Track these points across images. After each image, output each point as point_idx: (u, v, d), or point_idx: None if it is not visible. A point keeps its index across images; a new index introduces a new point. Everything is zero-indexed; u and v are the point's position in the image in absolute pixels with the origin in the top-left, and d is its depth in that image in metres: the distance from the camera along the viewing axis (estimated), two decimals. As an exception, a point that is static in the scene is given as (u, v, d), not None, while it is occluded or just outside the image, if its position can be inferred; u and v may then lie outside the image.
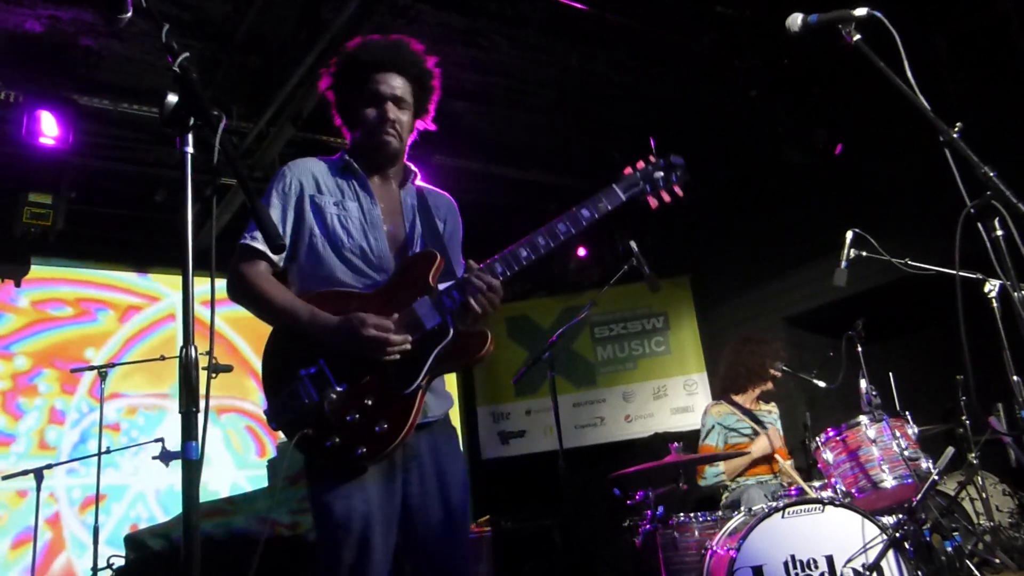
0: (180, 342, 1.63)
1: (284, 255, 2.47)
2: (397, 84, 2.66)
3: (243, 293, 2.42)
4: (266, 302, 2.38)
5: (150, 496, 6.89)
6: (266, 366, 2.41)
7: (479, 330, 2.39)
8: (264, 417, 2.39)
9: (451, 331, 2.35)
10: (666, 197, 2.73)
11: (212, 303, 1.73)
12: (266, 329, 2.46)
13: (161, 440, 5.42)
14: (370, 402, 2.27)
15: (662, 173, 2.82)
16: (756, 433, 5.11)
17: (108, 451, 5.72)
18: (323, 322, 2.31)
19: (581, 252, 8.50)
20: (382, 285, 2.44)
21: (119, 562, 5.08)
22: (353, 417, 2.26)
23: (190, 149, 1.71)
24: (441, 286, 2.40)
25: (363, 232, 2.48)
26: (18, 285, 6.68)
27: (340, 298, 2.39)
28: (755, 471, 5.02)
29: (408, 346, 2.29)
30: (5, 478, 5.43)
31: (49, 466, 5.44)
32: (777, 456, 4.94)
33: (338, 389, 2.26)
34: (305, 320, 2.32)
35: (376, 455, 2.26)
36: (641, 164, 2.80)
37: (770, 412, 5.34)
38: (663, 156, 2.72)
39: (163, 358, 5.97)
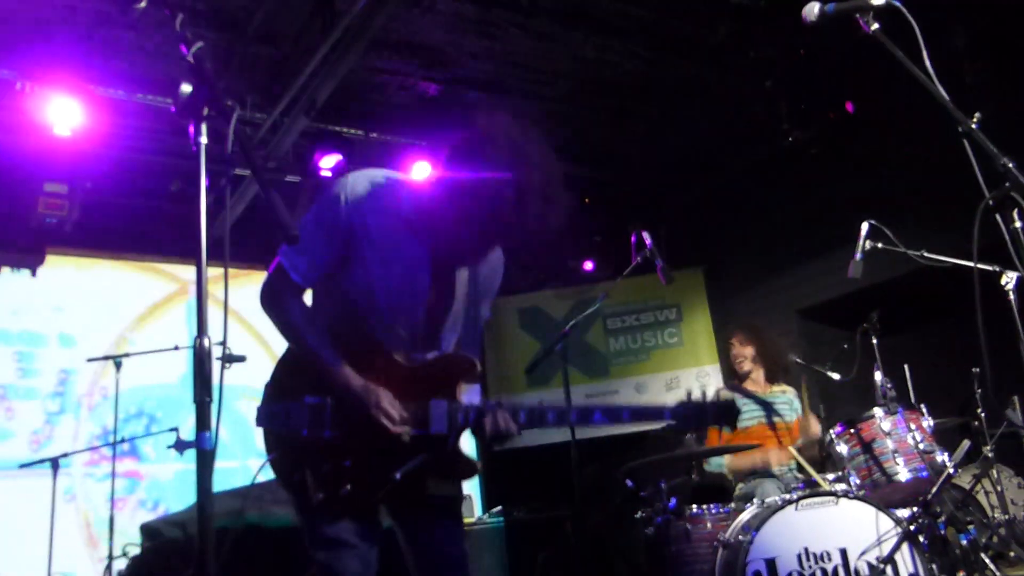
0: (194, 332, 1.64)
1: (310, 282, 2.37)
2: None
3: (275, 317, 2.36)
4: (296, 336, 2.32)
5: (165, 484, 6.94)
6: (278, 372, 2.40)
7: (468, 459, 2.35)
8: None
9: (448, 446, 2.30)
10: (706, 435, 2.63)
11: (226, 294, 1.73)
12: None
13: (176, 430, 5.44)
14: (348, 464, 2.24)
15: (713, 415, 2.55)
16: (764, 418, 5.09)
17: (123, 440, 5.76)
18: (346, 378, 2.25)
19: (589, 266, 8.51)
20: (415, 367, 2.35)
21: (134, 551, 5.11)
22: (326, 467, 2.24)
23: (204, 139, 1.71)
24: (465, 397, 2.34)
25: (402, 299, 2.34)
26: (34, 275, 6.73)
27: (371, 356, 2.32)
28: (772, 458, 4.99)
29: (406, 439, 2.25)
30: (21, 466, 5.49)
31: (65, 455, 5.49)
32: (791, 449, 4.92)
33: (326, 435, 2.24)
34: (328, 366, 2.26)
35: (329, 510, 2.26)
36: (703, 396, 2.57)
37: (783, 392, 5.28)
38: (723, 400, 2.56)
39: (177, 348, 6.00)
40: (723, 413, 2.48)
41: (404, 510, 2.41)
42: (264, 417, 2.32)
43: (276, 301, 2.35)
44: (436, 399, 2.29)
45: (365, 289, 2.31)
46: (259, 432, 2.35)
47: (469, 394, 2.37)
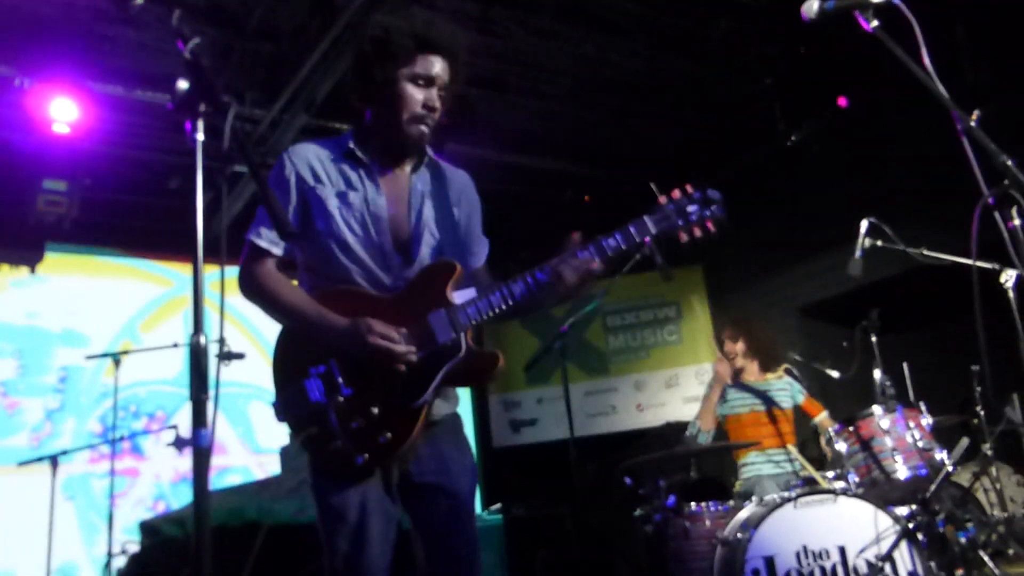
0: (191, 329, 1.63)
1: (286, 246, 2.43)
2: (443, 71, 2.51)
3: (253, 291, 2.40)
4: (276, 302, 2.36)
5: (164, 482, 6.94)
6: (277, 359, 2.41)
7: (490, 351, 2.36)
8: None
9: (463, 349, 2.31)
10: (697, 232, 2.55)
11: (222, 290, 1.73)
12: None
13: (175, 427, 5.45)
14: (376, 410, 2.25)
15: (696, 207, 2.62)
16: (757, 405, 5.09)
17: (123, 438, 5.76)
18: (331, 323, 2.28)
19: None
20: (399, 292, 2.39)
21: (134, 548, 5.11)
22: (359, 424, 2.25)
23: (200, 135, 1.70)
24: (459, 298, 2.35)
25: (365, 227, 2.40)
26: (33, 272, 6.72)
27: (351, 298, 2.36)
28: (766, 444, 5.00)
29: (413, 358, 2.26)
30: (20, 464, 5.48)
31: (65, 452, 5.49)
32: (791, 447, 4.92)
33: (345, 392, 2.25)
34: (314, 320, 2.30)
35: (377, 463, 2.27)
36: (677, 194, 2.62)
37: (780, 378, 5.27)
38: (700, 188, 2.56)
39: (176, 345, 6.00)
40: (705, 203, 2.59)
41: (411, 492, 2.40)
42: (281, 408, 2.33)
43: (252, 279, 2.40)
44: (433, 312, 2.31)
45: (328, 230, 2.38)
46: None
47: (462, 293, 2.38)
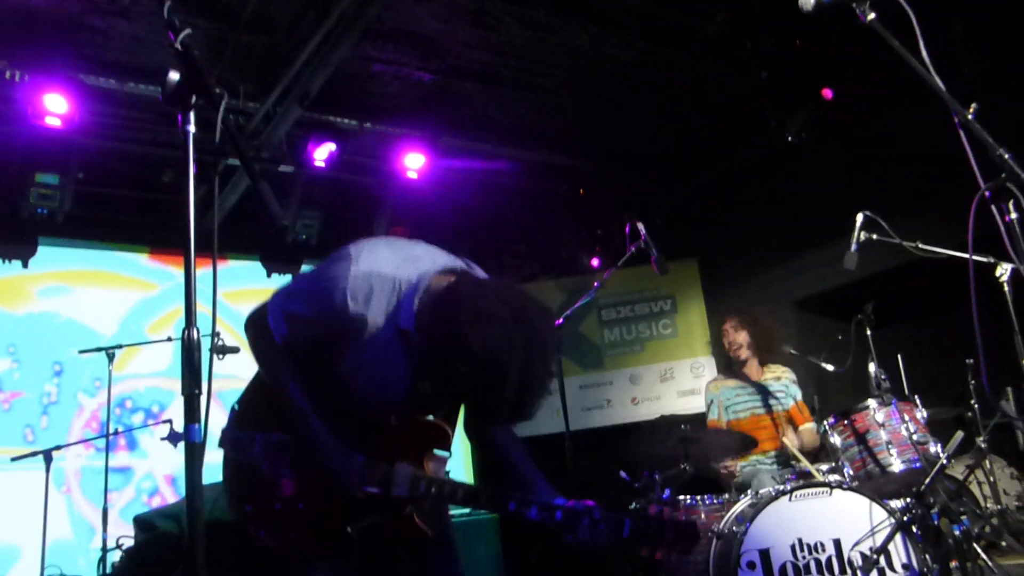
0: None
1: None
2: None
3: (255, 352, 2.33)
4: (280, 387, 2.26)
5: (159, 477, 6.93)
6: (247, 398, 2.38)
7: (424, 529, 2.28)
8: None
9: (406, 511, 2.25)
10: (657, 556, 2.24)
11: (214, 284, 1.71)
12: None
13: (169, 421, 5.43)
14: (301, 507, 2.22)
15: (672, 539, 2.25)
16: (757, 408, 5.08)
17: (116, 432, 5.73)
18: (328, 459, 2.18)
19: (595, 262, 8.48)
20: (386, 421, 2.29)
21: (128, 543, 5.10)
22: (279, 507, 2.22)
23: (192, 127, 1.69)
24: (433, 464, 2.28)
25: (371, 402, 2.28)
26: (25, 266, 6.69)
27: (339, 412, 2.27)
28: (766, 447, 4.99)
29: (367, 519, 2.23)
30: (14, 459, 5.46)
31: (58, 447, 5.47)
32: (784, 440, 4.92)
33: (286, 472, 2.22)
34: (319, 443, 2.19)
35: (274, 548, 2.25)
36: (667, 514, 2.39)
37: (778, 379, 5.25)
38: (686, 524, 2.27)
39: (170, 339, 5.97)
40: (681, 538, 2.22)
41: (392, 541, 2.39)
42: (228, 441, 2.30)
43: (261, 344, 2.31)
44: (401, 464, 2.23)
45: (339, 379, 2.27)
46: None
47: (436, 463, 2.30)
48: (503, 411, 2.03)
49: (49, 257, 6.87)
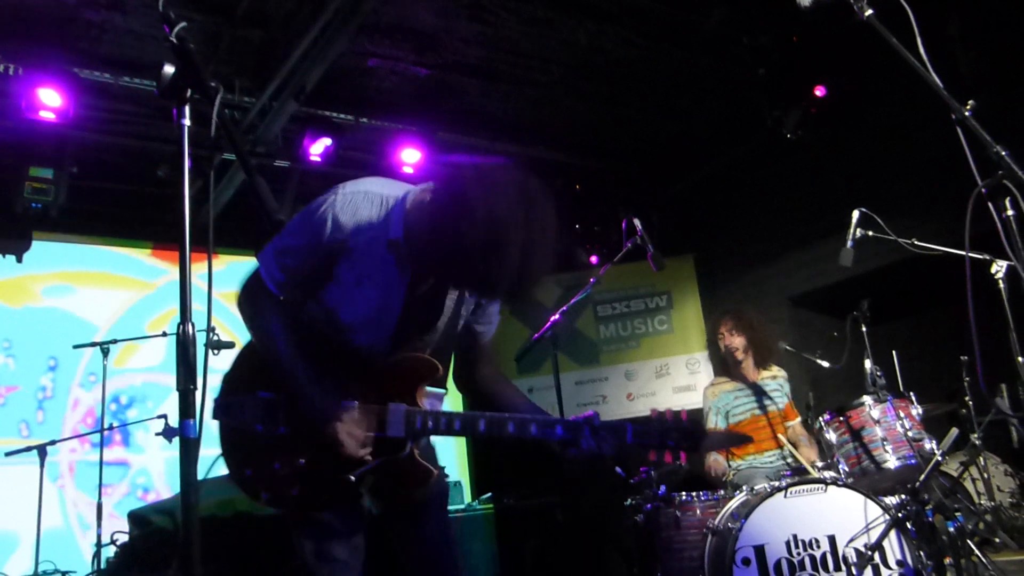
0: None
1: (286, 289, 2.30)
2: None
3: (250, 321, 2.34)
4: (270, 344, 2.28)
5: (154, 472, 6.92)
6: (236, 365, 2.38)
7: (424, 466, 2.28)
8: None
9: (405, 451, 2.24)
10: (667, 458, 2.33)
11: (209, 279, 1.71)
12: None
13: (164, 417, 5.42)
14: (302, 461, 2.21)
15: (676, 437, 2.32)
16: (756, 409, 5.08)
17: (111, 427, 5.72)
18: (305, 390, 2.19)
19: (593, 259, 8.48)
20: (376, 359, 2.29)
21: (123, 538, 5.09)
22: (278, 466, 2.21)
23: (187, 122, 1.68)
24: (428, 400, 2.29)
25: (368, 323, 2.28)
26: (20, 260, 6.67)
27: (330, 355, 2.28)
28: (762, 447, 5.00)
29: (364, 459, 2.20)
30: (8, 454, 5.44)
31: (53, 442, 5.46)
32: (780, 436, 4.92)
33: (280, 430, 2.21)
34: (297, 381, 2.21)
35: (276, 507, 2.25)
36: (670, 415, 2.35)
37: (774, 378, 5.24)
38: (689, 422, 2.33)
39: (165, 334, 5.96)
40: (685, 436, 2.28)
41: (388, 502, 2.39)
42: (220, 410, 2.29)
43: (253, 306, 2.32)
44: (395, 403, 2.23)
45: (333, 305, 2.28)
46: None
47: (431, 399, 2.31)
48: (505, 282, 2.03)
49: (44, 251, 6.85)
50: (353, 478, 2.20)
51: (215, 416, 2.29)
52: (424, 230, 2.13)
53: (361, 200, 2.21)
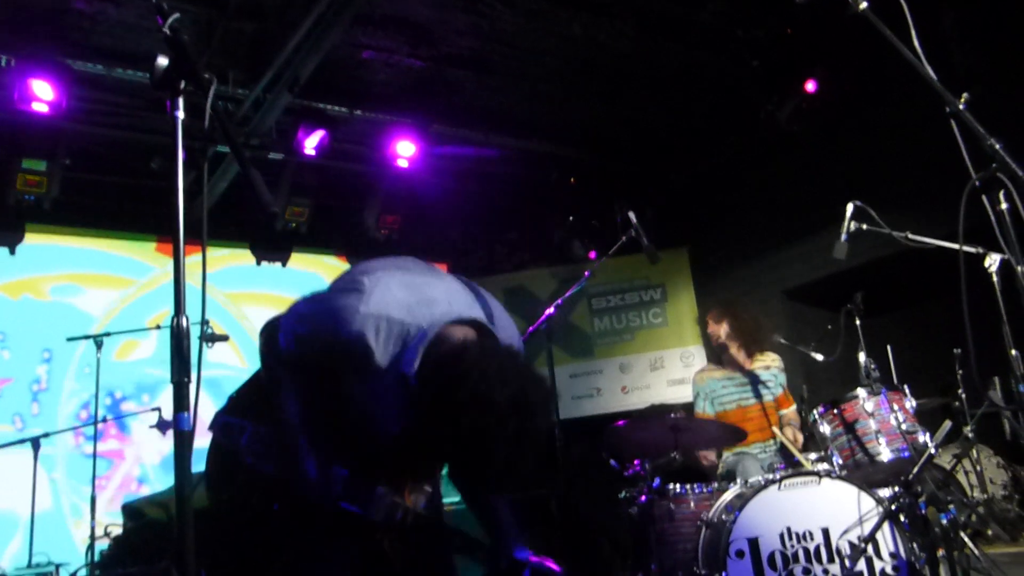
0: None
1: None
2: None
3: (265, 368, 2.35)
4: (277, 395, 2.27)
5: (148, 465, 6.91)
6: (246, 385, 2.39)
7: (392, 555, 2.30)
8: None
9: (376, 536, 2.26)
10: None
11: (203, 272, 1.70)
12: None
13: (158, 410, 5.42)
14: (276, 506, 2.24)
15: None
16: (743, 400, 5.08)
17: (105, 420, 5.71)
18: (306, 460, 2.19)
19: (592, 255, 8.46)
20: (374, 450, 2.27)
21: (117, 530, 5.09)
22: (254, 499, 2.25)
23: (181, 113, 1.67)
24: (414, 495, 2.27)
25: (367, 431, 2.27)
26: (12, 252, 6.65)
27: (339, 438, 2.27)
28: (753, 438, 5.01)
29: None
30: (2, 446, 5.44)
31: (46, 435, 5.45)
32: (774, 428, 4.94)
33: (267, 468, 2.22)
34: (295, 445, 2.21)
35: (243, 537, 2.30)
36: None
37: (767, 368, 5.23)
38: None
39: (159, 327, 5.95)
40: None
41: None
42: (217, 426, 2.29)
43: (266, 356, 2.32)
44: (381, 488, 2.20)
45: (336, 402, 2.24)
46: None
47: (418, 495, 2.28)
48: (484, 485, 2.11)
49: (36, 243, 6.83)
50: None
51: (211, 428, 2.30)
52: (433, 386, 2.05)
53: (384, 326, 2.11)
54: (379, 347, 2.09)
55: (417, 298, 2.17)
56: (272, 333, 2.27)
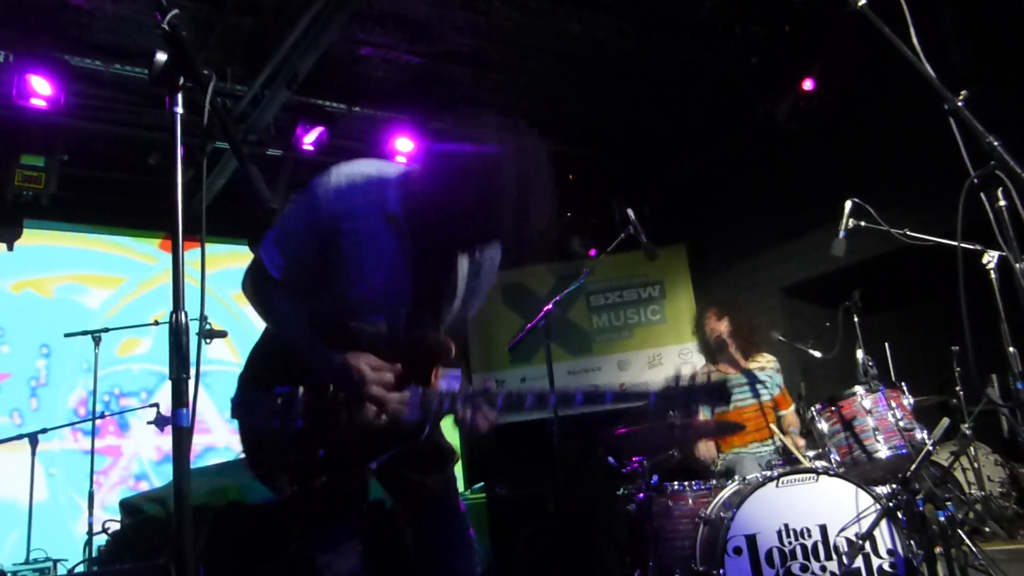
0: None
1: (290, 276, 2.29)
2: None
3: (255, 304, 2.35)
4: (277, 322, 2.31)
5: (146, 461, 6.91)
6: (251, 363, 2.39)
7: (449, 447, 2.31)
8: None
9: (424, 433, 2.24)
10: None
11: (203, 267, 1.70)
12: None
13: (156, 405, 5.41)
14: (321, 454, 2.22)
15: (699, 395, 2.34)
16: (740, 401, 5.08)
17: (103, 415, 5.71)
18: (323, 357, 2.20)
19: (592, 252, 8.46)
20: (394, 343, 2.28)
21: (115, 526, 5.09)
22: (300, 458, 2.22)
23: (180, 109, 1.67)
24: (443, 380, 2.28)
25: (377, 300, 2.28)
26: (10, 248, 6.64)
27: (345, 341, 2.26)
28: (750, 438, 5.01)
29: (404, 414, 2.19)
30: (0, 442, 5.43)
31: (44, 431, 5.44)
32: (772, 426, 4.94)
33: (299, 423, 2.20)
34: (305, 346, 2.23)
35: (301, 502, 2.27)
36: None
37: (762, 368, 5.23)
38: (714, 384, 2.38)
39: (156, 323, 5.94)
40: (713, 392, 2.31)
41: (404, 498, 2.39)
42: (237, 408, 2.30)
43: (256, 291, 2.32)
44: (412, 385, 2.22)
45: (342, 290, 2.26)
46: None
47: (448, 379, 2.30)
48: (509, 224, 2.08)
49: (34, 239, 6.82)
50: (374, 466, 2.21)
51: (233, 415, 2.31)
52: (422, 197, 2.14)
53: (357, 180, 2.21)
54: (357, 198, 2.19)
55: (385, 163, 2.32)
56: (256, 268, 2.29)
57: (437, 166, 2.12)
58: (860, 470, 4.07)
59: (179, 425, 1.55)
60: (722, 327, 5.23)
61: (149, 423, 5.25)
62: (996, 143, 2.07)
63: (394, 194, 2.21)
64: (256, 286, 2.31)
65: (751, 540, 3.73)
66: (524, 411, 2.29)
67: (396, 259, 2.23)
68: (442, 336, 2.32)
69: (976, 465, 5.51)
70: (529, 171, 2.08)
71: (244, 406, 2.28)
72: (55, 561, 5.20)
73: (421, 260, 2.25)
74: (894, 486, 3.84)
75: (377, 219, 2.20)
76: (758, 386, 5.12)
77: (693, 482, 4.31)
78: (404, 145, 6.71)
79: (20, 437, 5.34)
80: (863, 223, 4.04)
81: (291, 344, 2.26)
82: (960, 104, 2.14)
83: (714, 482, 4.32)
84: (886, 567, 3.70)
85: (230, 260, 7.49)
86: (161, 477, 6.82)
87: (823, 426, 4.24)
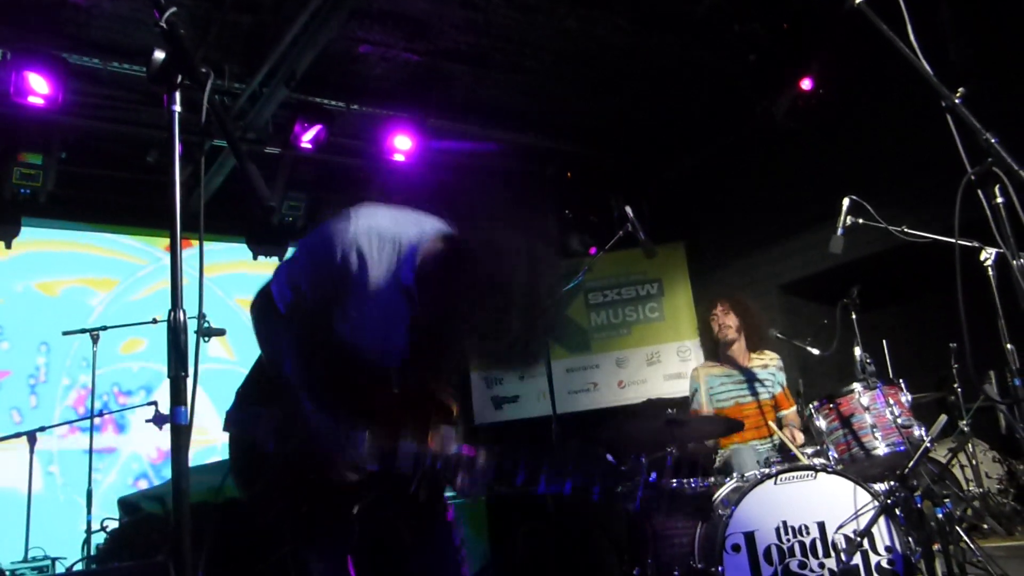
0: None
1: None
2: None
3: (259, 336, 2.34)
4: (278, 362, 2.28)
5: (144, 459, 6.91)
6: (250, 378, 2.38)
7: (441, 506, 2.31)
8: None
9: (410, 490, 2.23)
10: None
11: (200, 265, 1.70)
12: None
13: (155, 403, 5.41)
14: (310, 477, 2.20)
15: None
16: (741, 397, 5.08)
17: (101, 413, 5.70)
18: (315, 425, 2.19)
19: (592, 251, 8.46)
20: (390, 389, 2.28)
21: (113, 525, 5.09)
22: (288, 481, 2.21)
23: (178, 107, 1.67)
24: (438, 438, 2.26)
25: (376, 350, 2.27)
26: (8, 246, 6.63)
27: (344, 380, 2.26)
28: (750, 435, 5.02)
29: (368, 497, 2.22)
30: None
31: (42, 429, 5.44)
32: (771, 424, 4.94)
33: (290, 447, 2.19)
34: (306, 409, 2.21)
35: (283, 525, 2.27)
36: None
37: (765, 367, 5.22)
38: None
39: (155, 321, 5.94)
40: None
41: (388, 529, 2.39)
42: (232, 422, 2.29)
43: (263, 324, 2.32)
44: (406, 441, 2.21)
45: (340, 329, 2.26)
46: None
47: (444, 437, 2.27)
48: (507, 355, 2.09)
49: (32, 237, 6.81)
50: (355, 511, 2.22)
51: (225, 428, 2.30)
52: (435, 282, 2.13)
53: (376, 240, 2.19)
54: (374, 257, 2.17)
55: (403, 218, 2.27)
56: (264, 297, 2.28)
57: (454, 259, 2.12)
58: (858, 467, 4.07)
59: (177, 423, 1.55)
60: (731, 321, 5.22)
61: (148, 421, 5.24)
62: (994, 140, 2.07)
63: (409, 266, 2.19)
64: (262, 318, 2.31)
65: (749, 537, 3.74)
66: (513, 487, 2.28)
67: (400, 320, 2.24)
68: (444, 393, 2.32)
69: (974, 462, 5.53)
70: (539, 288, 2.04)
71: (239, 422, 2.28)
72: (53, 559, 5.20)
73: (426, 327, 2.24)
74: (892, 483, 3.85)
75: (393, 290, 2.20)
76: (758, 385, 5.12)
77: (692, 480, 4.31)
78: (403, 143, 6.70)
79: (19, 435, 5.34)
80: (861, 220, 4.04)
81: (288, 390, 2.25)
82: (957, 101, 2.14)
83: (712, 480, 4.33)
84: (884, 564, 3.71)
85: (233, 269, 7.50)
86: (159, 475, 6.82)
87: (821, 423, 4.24)
